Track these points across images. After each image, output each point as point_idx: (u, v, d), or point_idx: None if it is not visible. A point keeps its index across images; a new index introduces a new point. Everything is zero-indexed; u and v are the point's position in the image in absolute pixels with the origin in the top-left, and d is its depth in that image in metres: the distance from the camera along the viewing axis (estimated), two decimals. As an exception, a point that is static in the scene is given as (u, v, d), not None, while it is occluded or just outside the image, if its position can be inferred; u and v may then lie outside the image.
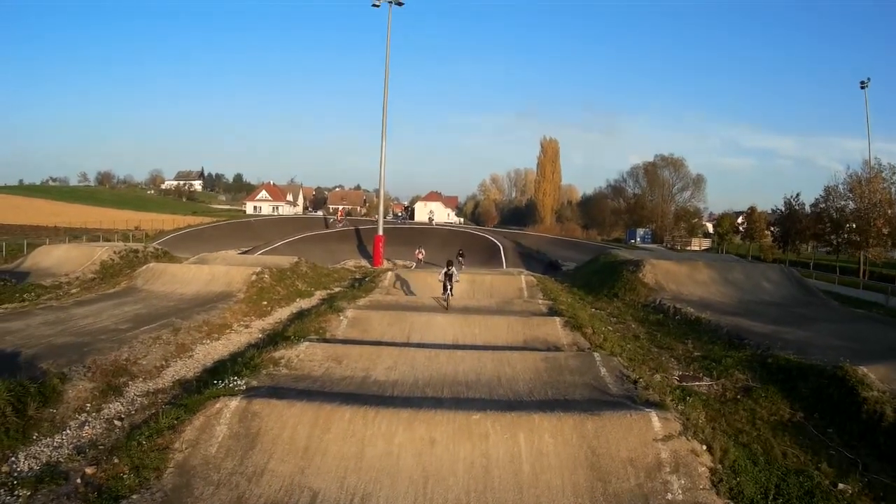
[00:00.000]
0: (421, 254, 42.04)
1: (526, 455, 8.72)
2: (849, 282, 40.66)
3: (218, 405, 9.72)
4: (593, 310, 23.19)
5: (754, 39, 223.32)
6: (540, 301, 23.54)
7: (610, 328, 19.50)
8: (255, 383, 11.31)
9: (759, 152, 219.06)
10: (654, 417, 9.51)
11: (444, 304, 21.36)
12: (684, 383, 13.77)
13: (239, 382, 11.07)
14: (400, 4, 42.21)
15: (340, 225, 65.49)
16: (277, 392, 10.63)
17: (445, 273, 21.64)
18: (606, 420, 9.38)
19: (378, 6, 42.32)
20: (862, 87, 56.40)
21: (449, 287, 21.52)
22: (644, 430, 9.23)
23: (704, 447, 9.07)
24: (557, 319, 18.40)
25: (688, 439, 9.12)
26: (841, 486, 8.92)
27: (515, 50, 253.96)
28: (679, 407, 10.86)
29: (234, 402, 9.75)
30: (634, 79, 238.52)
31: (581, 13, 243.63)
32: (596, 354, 14.19)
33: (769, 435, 10.91)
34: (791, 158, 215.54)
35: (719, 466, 8.75)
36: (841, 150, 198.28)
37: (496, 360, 13.39)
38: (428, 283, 26.11)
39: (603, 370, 12.99)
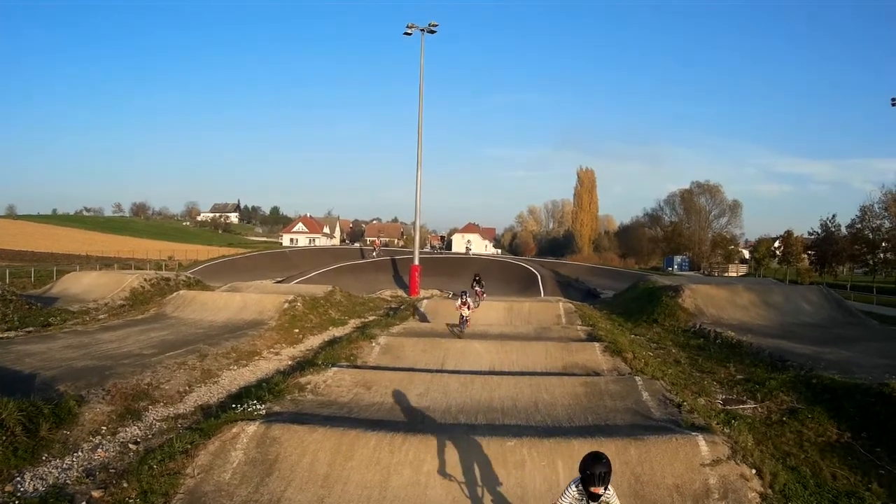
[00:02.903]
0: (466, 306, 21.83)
1: (564, 484, 7.95)
2: (887, 301, 39.92)
3: (235, 430, 9.20)
4: (633, 335, 22.40)
5: (784, 66, 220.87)
6: (578, 327, 22.85)
7: (650, 353, 18.74)
8: (277, 408, 10.82)
9: (794, 178, 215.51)
10: (702, 441, 8.92)
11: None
12: (728, 407, 13.15)
13: (259, 407, 10.58)
14: (432, 32, 41.98)
15: (375, 255, 65.11)
16: (300, 418, 10.08)
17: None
18: (651, 445, 8.76)
19: (410, 34, 42.18)
20: (893, 105, 54.94)
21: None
22: (691, 455, 8.63)
23: (754, 471, 8.52)
24: (597, 345, 17.70)
25: (737, 463, 8.58)
26: (893, 507, 8.39)
27: (551, 81, 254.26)
28: (725, 430, 10.33)
29: (252, 427, 9.22)
30: (669, 108, 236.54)
31: (614, 43, 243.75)
32: (638, 378, 13.54)
33: (817, 457, 10.35)
34: (826, 183, 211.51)
35: (769, 491, 8.22)
36: (874, 172, 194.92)
37: (534, 385, 12.72)
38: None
39: (645, 394, 12.37)
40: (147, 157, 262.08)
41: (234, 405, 11.10)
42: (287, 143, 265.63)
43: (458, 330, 20.68)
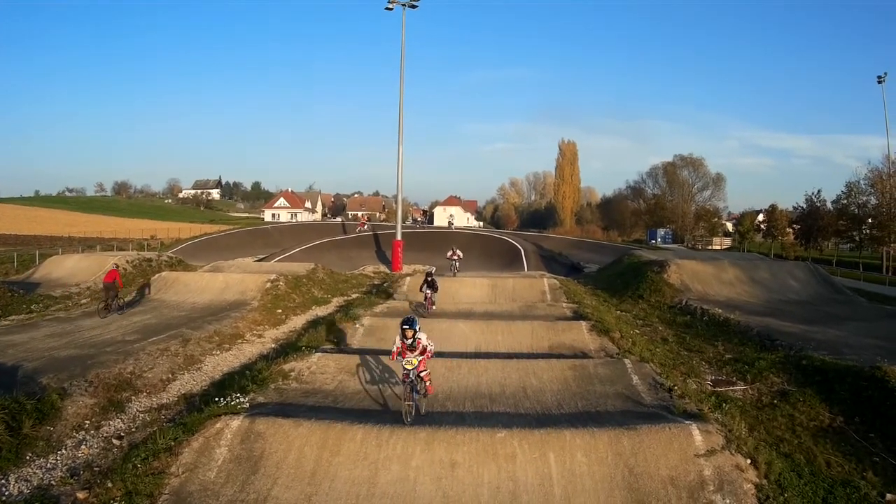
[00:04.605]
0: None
1: (557, 477, 7.96)
2: (874, 278, 39.84)
3: (218, 425, 9.02)
4: (619, 312, 22.37)
5: (768, 39, 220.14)
6: (564, 304, 22.71)
7: (637, 331, 18.73)
8: (261, 399, 10.64)
9: (776, 152, 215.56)
10: (695, 431, 8.81)
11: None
12: (718, 389, 13.03)
13: (242, 400, 10.37)
14: (413, 7, 41.51)
15: (363, 229, 64.25)
16: (285, 409, 9.92)
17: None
18: (644, 435, 8.66)
19: (391, 9, 41.67)
20: (879, 82, 54.98)
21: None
22: (685, 446, 8.52)
23: (748, 461, 8.42)
24: (583, 324, 17.60)
25: (731, 453, 8.47)
26: (889, 496, 8.34)
27: (532, 56, 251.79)
28: (716, 415, 10.18)
29: (236, 422, 9.05)
30: (653, 82, 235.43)
31: (597, 17, 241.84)
32: (627, 361, 13.42)
33: (811, 443, 10.25)
34: (808, 157, 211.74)
35: (765, 482, 8.12)
36: (857, 148, 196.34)
37: (521, 369, 12.60)
38: (448, 289, 25.30)
39: (635, 378, 12.27)
40: (128, 134, 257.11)
41: (217, 397, 10.92)
42: (268, 119, 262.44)
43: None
